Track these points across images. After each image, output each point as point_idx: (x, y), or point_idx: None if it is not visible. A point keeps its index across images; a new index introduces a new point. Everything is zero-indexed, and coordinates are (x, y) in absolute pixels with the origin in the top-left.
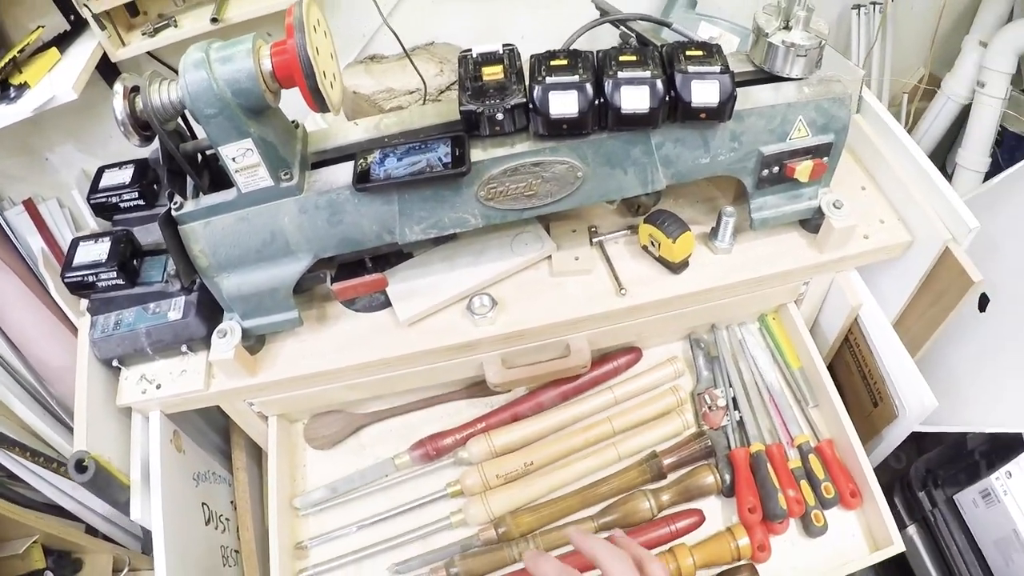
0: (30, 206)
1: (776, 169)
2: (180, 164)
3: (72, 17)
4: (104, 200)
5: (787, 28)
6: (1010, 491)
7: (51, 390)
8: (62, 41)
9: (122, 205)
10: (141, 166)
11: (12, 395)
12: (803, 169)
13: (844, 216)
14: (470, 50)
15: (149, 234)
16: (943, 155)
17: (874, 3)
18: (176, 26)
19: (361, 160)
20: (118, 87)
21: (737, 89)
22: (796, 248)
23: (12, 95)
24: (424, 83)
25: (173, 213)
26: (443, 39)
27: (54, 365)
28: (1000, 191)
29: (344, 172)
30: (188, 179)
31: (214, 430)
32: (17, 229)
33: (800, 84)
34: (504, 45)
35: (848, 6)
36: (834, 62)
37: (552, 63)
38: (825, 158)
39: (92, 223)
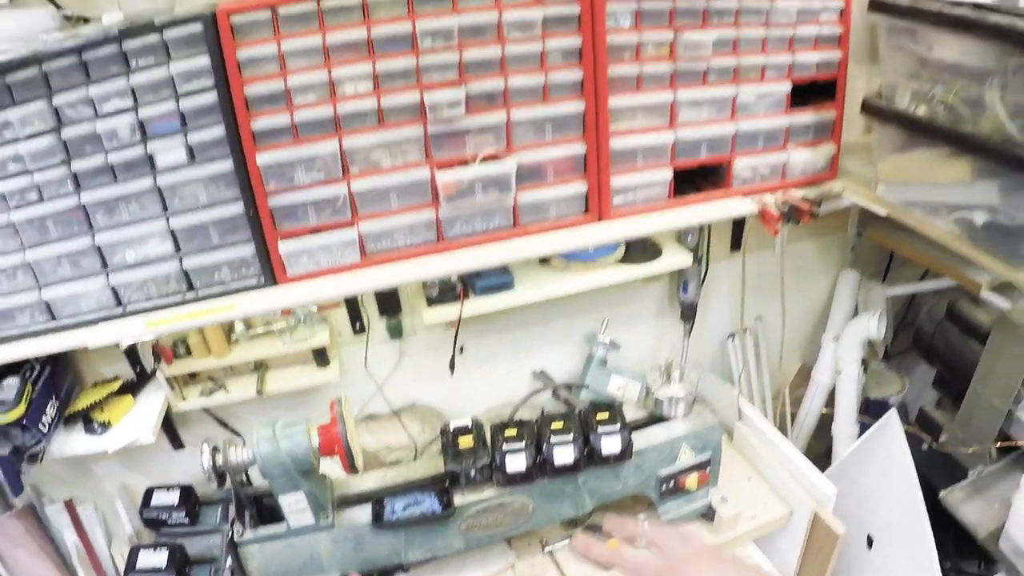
0: (70, 506)
1: (672, 484)
2: (244, 503)
3: (138, 369)
4: (155, 516)
5: (668, 381)
6: None
7: None
8: (132, 388)
9: (170, 522)
10: (186, 491)
11: None
12: (691, 480)
13: (730, 507)
14: (448, 423)
15: (192, 546)
16: (829, 425)
17: (744, 329)
18: (227, 391)
19: (376, 506)
20: (205, 447)
21: (635, 433)
22: (700, 534)
23: (97, 430)
24: (415, 443)
25: (236, 539)
26: (423, 401)
27: None
28: (864, 451)
29: (364, 513)
30: (247, 512)
31: None
32: (55, 523)
33: (683, 420)
34: (472, 419)
35: (724, 336)
36: (714, 386)
37: (506, 433)
38: (707, 469)
39: (128, 528)
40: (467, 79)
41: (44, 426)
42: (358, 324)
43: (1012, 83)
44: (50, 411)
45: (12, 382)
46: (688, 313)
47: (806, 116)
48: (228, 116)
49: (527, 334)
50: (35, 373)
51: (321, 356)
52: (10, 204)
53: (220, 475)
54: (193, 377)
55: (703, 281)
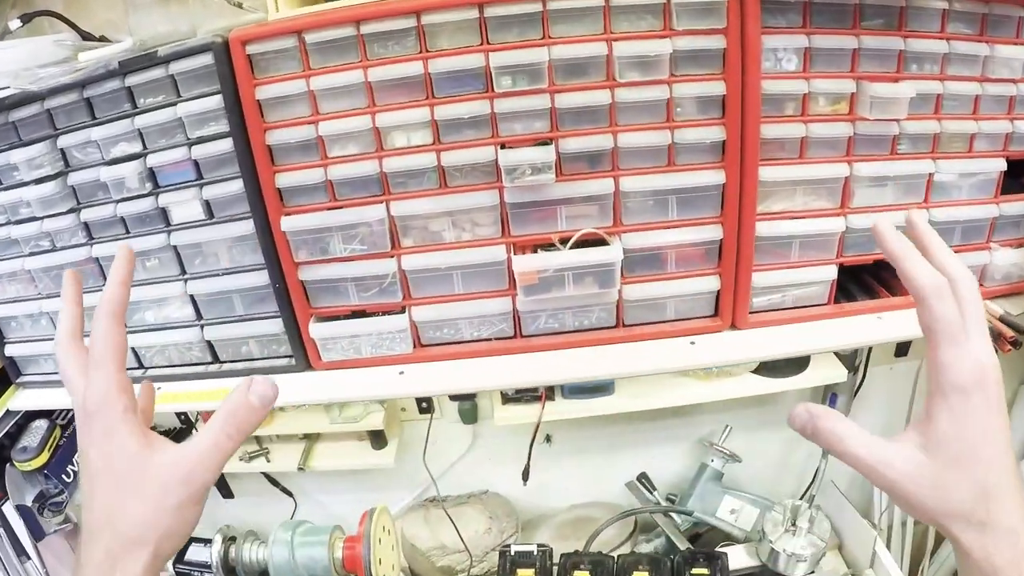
0: None
1: None
2: None
3: (183, 417)
4: (187, 573)
5: (793, 529)
6: None
7: None
8: (174, 439)
9: None
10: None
11: None
12: None
13: None
14: (509, 547)
15: None
16: None
17: None
18: (268, 460)
19: None
20: (217, 537)
21: None
22: None
23: None
24: (470, 554)
25: None
26: (496, 489)
27: None
28: None
29: None
30: None
31: None
32: None
33: None
34: (539, 546)
35: None
36: (849, 517)
37: (575, 574)
38: None
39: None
40: (560, 133)
41: (68, 476)
42: (424, 402)
43: None
44: (77, 460)
45: (40, 425)
46: None
47: (1020, 204)
48: (247, 168)
49: (628, 430)
50: (68, 417)
51: (377, 436)
52: (24, 250)
53: (230, 570)
54: None
55: (856, 392)
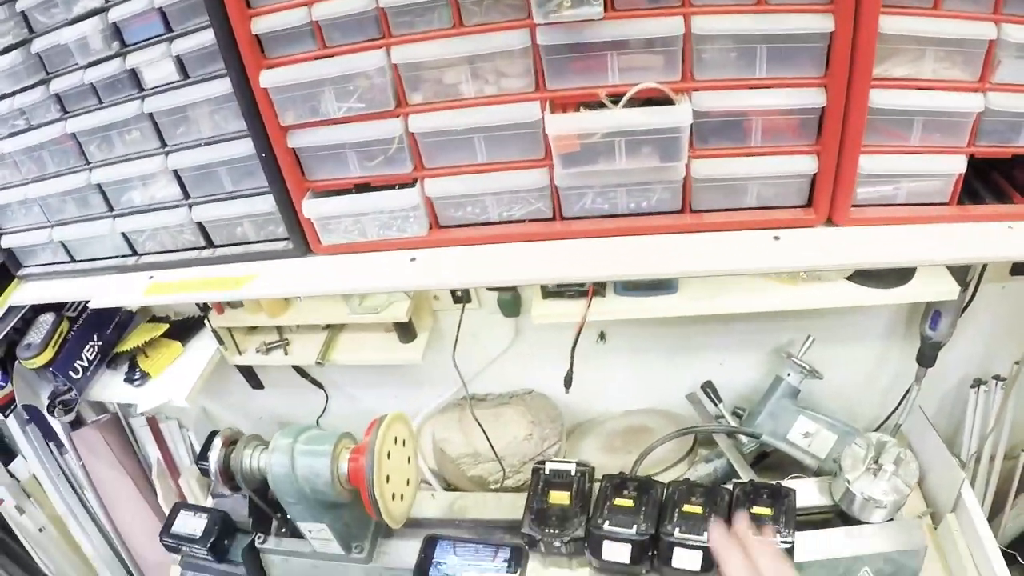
0: (152, 422)
1: None
2: (264, 510)
3: (202, 305)
4: (175, 545)
5: (876, 469)
6: None
7: None
8: (187, 332)
9: (194, 553)
10: (215, 518)
11: None
12: None
13: None
14: (544, 463)
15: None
16: None
17: (996, 377)
18: (287, 353)
19: (426, 549)
20: (217, 440)
21: (803, 533)
22: None
23: (136, 379)
24: (502, 465)
25: (257, 545)
26: (541, 390)
27: (152, 561)
28: None
29: (410, 551)
30: (274, 519)
31: None
32: (141, 437)
33: (876, 529)
34: (579, 465)
35: (965, 382)
36: (936, 453)
37: (616, 501)
38: None
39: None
40: None
41: (77, 372)
42: (459, 290)
43: None
44: (87, 354)
45: (46, 319)
46: (929, 355)
47: None
48: (217, 12)
49: (694, 331)
50: (79, 308)
51: (405, 328)
52: (1, 132)
53: (230, 476)
54: (256, 328)
55: (963, 311)
